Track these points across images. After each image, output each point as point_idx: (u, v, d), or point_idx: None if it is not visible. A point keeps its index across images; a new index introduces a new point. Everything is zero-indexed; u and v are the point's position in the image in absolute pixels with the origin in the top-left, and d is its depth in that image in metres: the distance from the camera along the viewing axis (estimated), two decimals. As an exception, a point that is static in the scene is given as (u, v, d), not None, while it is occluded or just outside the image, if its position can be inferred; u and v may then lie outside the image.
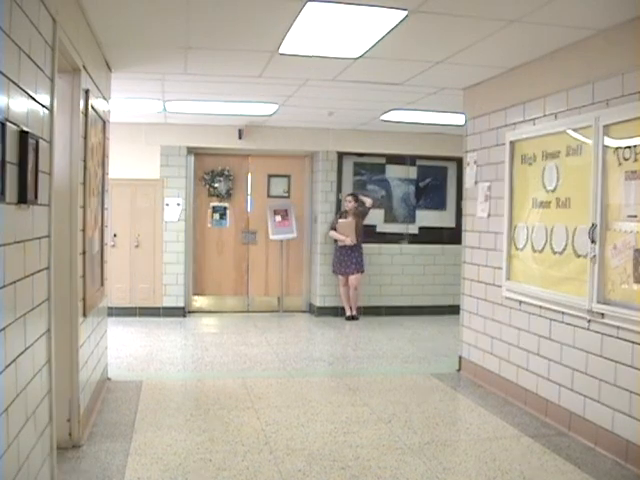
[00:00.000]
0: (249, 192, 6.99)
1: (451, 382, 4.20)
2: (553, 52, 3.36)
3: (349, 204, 6.44)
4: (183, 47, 3.43)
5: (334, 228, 6.49)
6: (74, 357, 2.75)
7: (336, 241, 6.54)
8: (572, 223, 3.16)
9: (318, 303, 6.80)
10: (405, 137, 6.77)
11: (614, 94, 2.85)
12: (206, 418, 3.33)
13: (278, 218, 6.78)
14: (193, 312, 6.81)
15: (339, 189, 6.85)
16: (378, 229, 6.86)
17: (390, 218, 7.00)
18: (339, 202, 6.81)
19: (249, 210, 7.00)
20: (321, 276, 6.79)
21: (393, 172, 7.00)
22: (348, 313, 6.56)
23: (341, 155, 6.82)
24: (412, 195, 7.07)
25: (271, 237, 6.78)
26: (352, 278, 6.46)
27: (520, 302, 3.69)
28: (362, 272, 6.51)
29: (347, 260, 6.46)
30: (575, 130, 3.16)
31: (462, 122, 4.54)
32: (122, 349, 4.97)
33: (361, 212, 6.44)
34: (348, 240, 6.38)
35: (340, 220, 6.47)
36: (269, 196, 7.00)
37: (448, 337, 5.57)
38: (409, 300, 6.92)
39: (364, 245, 6.56)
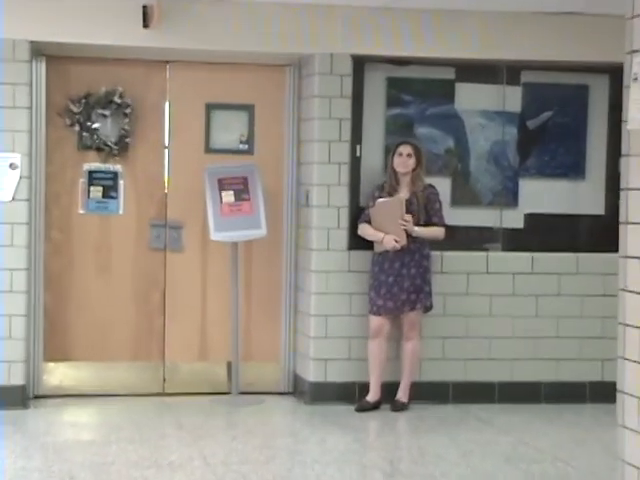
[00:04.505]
0: (167, 141, 7.05)
1: None
2: None
3: (404, 161, 6.50)
4: None
5: (367, 220, 6.66)
6: None
7: (369, 242, 6.68)
8: None
9: (312, 376, 6.84)
10: (497, 22, 6.79)
11: None
12: None
13: (228, 197, 6.84)
14: (45, 397, 6.80)
15: (357, 136, 6.84)
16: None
17: (464, 196, 7.07)
18: (356, 162, 6.81)
19: (167, 180, 7.07)
20: (319, 319, 6.82)
21: (471, 99, 7.03)
22: (372, 397, 6.62)
23: (360, 62, 6.83)
24: (512, 147, 7.09)
25: (213, 237, 6.78)
26: (407, 320, 6.59)
27: None
28: (429, 308, 6.66)
29: (393, 283, 6.51)
30: None
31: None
32: None
33: (430, 194, 6.66)
34: (388, 241, 6.43)
35: (380, 201, 6.56)
36: (209, 150, 7.09)
37: (594, 452, 5.55)
38: (504, 371, 6.93)
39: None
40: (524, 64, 6.98)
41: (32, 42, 6.50)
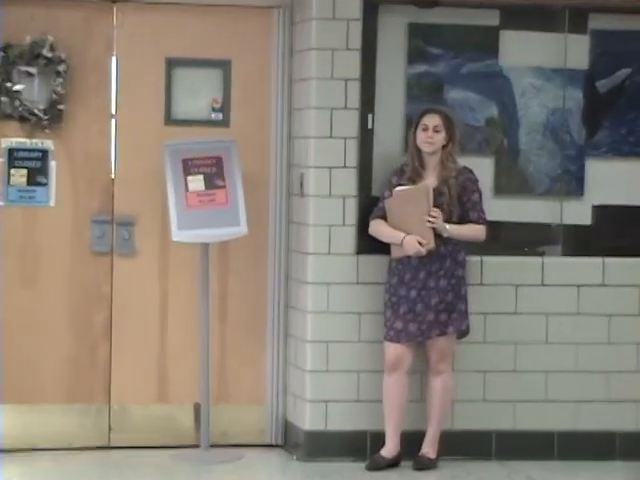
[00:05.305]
0: (114, 109, 7.03)
1: None
2: None
3: (431, 136, 6.44)
4: None
5: (381, 215, 6.67)
6: None
7: (385, 245, 6.67)
8: None
9: (308, 424, 6.81)
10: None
11: None
12: None
13: (196, 183, 6.81)
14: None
15: (368, 102, 6.82)
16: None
17: (511, 183, 7.10)
18: (367, 136, 6.78)
19: (114, 161, 7.06)
20: (318, 347, 6.75)
21: (521, 52, 7.04)
22: (388, 451, 6.56)
23: (372, 3, 6.82)
24: (575, 117, 7.11)
25: (176, 237, 6.77)
26: (436, 348, 6.57)
27: None
28: (465, 332, 6.69)
29: (417, 299, 6.52)
30: None
31: None
32: None
33: (466, 180, 6.64)
34: (411, 243, 6.35)
35: (399, 189, 6.49)
36: (171, 121, 7.11)
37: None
38: (566, 417, 6.91)
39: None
40: (593, 5, 6.94)
41: None
